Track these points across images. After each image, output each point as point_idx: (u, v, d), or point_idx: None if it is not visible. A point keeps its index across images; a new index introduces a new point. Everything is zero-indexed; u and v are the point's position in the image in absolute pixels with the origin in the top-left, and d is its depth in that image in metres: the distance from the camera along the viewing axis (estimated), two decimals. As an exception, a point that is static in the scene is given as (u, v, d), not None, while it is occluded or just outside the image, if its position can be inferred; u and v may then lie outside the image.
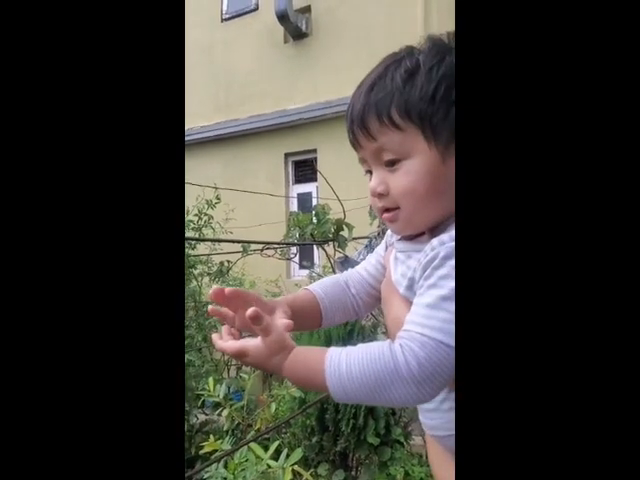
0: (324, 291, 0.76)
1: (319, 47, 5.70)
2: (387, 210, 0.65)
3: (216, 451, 1.84)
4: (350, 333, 2.65)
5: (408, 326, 0.57)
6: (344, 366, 0.57)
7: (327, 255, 1.80)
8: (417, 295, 0.59)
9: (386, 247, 0.77)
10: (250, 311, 0.57)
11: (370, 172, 0.66)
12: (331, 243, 1.70)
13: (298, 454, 1.67)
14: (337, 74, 5.33)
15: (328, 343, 2.72)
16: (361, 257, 1.98)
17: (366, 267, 0.79)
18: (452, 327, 0.53)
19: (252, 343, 0.61)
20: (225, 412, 2.05)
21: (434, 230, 0.64)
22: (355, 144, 0.66)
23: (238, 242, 1.46)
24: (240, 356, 0.62)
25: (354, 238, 1.68)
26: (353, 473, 2.55)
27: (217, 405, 2.20)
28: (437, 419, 0.67)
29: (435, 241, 0.58)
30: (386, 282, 0.72)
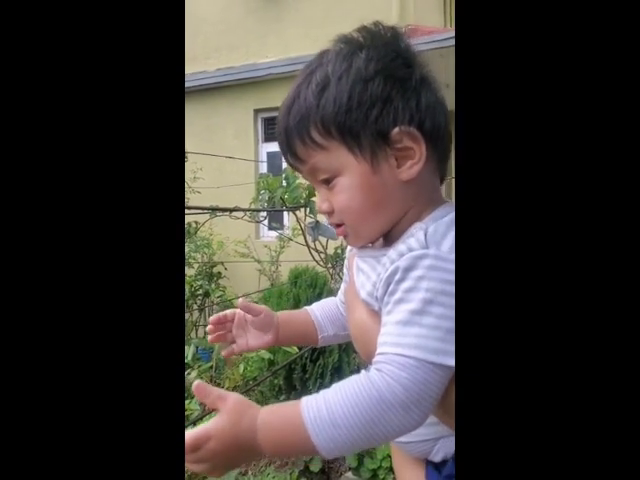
0: (319, 310, 0.81)
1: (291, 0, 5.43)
2: (337, 226, 0.64)
3: (185, 410, 1.86)
4: (319, 296, 2.69)
5: (382, 348, 0.53)
6: (325, 413, 0.50)
7: (297, 220, 1.78)
8: (385, 313, 0.56)
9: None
10: (194, 386, 0.51)
11: None
12: (302, 208, 1.68)
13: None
14: (309, 29, 5.12)
15: (296, 305, 2.75)
16: (331, 222, 1.98)
17: (342, 291, 0.79)
18: (429, 342, 0.51)
19: (209, 423, 0.51)
20: (194, 373, 2.06)
21: (387, 236, 0.63)
22: (292, 167, 0.65)
23: (207, 209, 1.42)
24: (201, 443, 0.50)
25: (325, 203, 1.67)
26: (319, 428, 2.65)
27: (185, 366, 2.21)
28: None
29: (393, 253, 0.57)
30: (349, 286, 0.71)
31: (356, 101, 0.56)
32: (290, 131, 0.60)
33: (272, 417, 0.52)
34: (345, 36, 0.62)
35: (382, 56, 0.58)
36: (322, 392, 0.53)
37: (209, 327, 0.76)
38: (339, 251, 2.38)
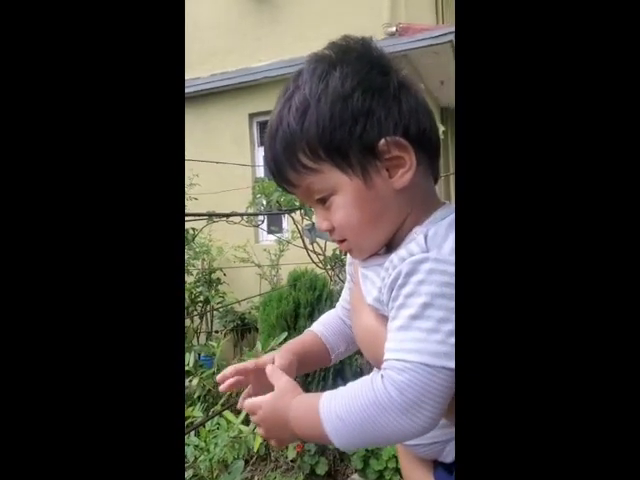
0: (325, 328, 0.78)
1: (284, 1, 5.44)
2: (340, 242, 0.65)
3: (188, 418, 1.86)
4: (318, 298, 2.68)
5: (386, 355, 0.55)
6: (333, 405, 0.55)
7: (294, 222, 1.78)
8: (390, 319, 0.57)
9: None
10: (268, 367, 0.64)
11: None
12: (298, 211, 1.68)
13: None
14: (304, 30, 5.12)
15: (296, 308, 2.74)
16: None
17: (345, 297, 0.78)
18: (428, 345, 0.51)
19: (265, 396, 0.62)
20: (195, 380, 2.06)
21: (389, 243, 0.63)
22: (286, 192, 0.66)
23: (204, 215, 1.42)
24: (255, 409, 0.62)
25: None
26: (323, 431, 2.64)
27: (187, 373, 2.20)
28: None
29: (395, 258, 0.57)
30: (355, 292, 0.71)
31: (338, 120, 0.56)
32: (279, 159, 0.60)
33: (301, 401, 0.59)
34: (316, 54, 0.61)
35: (357, 70, 0.58)
36: (337, 389, 0.57)
37: (224, 376, 0.70)
38: (337, 252, 2.38)
